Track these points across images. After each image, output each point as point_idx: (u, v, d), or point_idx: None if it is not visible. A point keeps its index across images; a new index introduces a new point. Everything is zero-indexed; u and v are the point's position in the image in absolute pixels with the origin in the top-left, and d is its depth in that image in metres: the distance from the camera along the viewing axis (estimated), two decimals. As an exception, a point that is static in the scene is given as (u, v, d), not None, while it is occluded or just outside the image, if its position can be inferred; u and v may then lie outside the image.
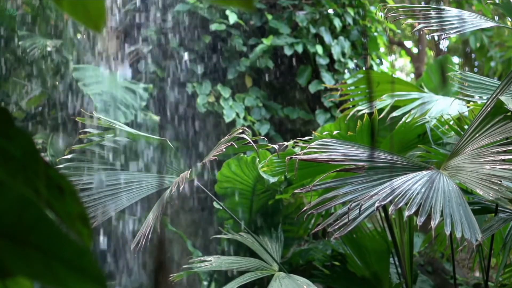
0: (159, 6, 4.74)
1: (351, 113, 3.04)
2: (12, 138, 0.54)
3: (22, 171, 0.54)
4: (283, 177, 2.94)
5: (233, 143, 2.49)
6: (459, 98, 2.94)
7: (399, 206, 1.90)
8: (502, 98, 2.15)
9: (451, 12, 2.56)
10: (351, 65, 5.01)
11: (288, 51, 4.71)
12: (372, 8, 5.42)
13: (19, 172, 0.54)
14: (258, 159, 2.95)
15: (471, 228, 1.82)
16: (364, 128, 2.54)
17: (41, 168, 0.54)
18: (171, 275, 2.64)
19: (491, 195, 1.83)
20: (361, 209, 1.95)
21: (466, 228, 1.82)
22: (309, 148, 2.30)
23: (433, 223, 1.81)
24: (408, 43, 9.40)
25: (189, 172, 2.52)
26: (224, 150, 2.46)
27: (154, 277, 3.98)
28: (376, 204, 1.90)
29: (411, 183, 1.99)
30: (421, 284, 3.43)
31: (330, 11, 4.94)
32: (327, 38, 4.85)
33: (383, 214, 2.84)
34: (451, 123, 2.67)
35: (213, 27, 4.62)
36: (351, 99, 3.67)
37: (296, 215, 3.20)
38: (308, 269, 3.18)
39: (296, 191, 2.32)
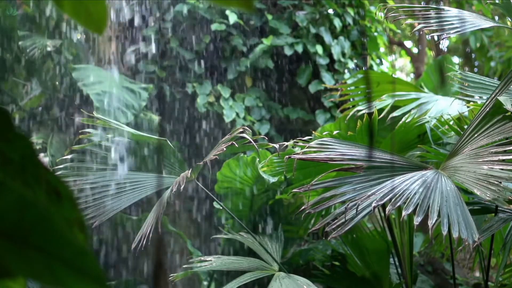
0: (159, 6, 4.74)
1: (351, 113, 3.04)
2: (11, 141, 0.54)
3: (21, 175, 0.54)
4: (283, 177, 2.95)
5: (233, 142, 2.50)
6: (459, 98, 2.94)
7: (396, 205, 1.90)
8: (501, 98, 2.15)
9: (451, 12, 2.56)
10: (351, 65, 5.01)
11: (288, 51, 4.71)
12: (372, 8, 5.42)
13: (18, 175, 0.54)
14: (258, 159, 2.95)
15: (468, 228, 1.82)
16: (364, 128, 2.55)
17: (39, 172, 0.54)
18: (171, 275, 2.64)
19: (488, 195, 1.83)
20: (359, 208, 1.96)
21: (463, 228, 1.82)
22: (308, 147, 2.30)
23: (430, 223, 1.81)
24: (408, 43, 9.39)
25: (189, 172, 2.52)
26: (224, 149, 2.46)
27: (153, 277, 3.98)
28: (373, 204, 1.91)
29: (409, 183, 1.99)
30: (421, 284, 3.43)
31: (330, 11, 4.95)
32: (327, 38, 4.85)
33: (382, 214, 2.84)
34: (451, 123, 2.67)
35: (213, 27, 4.62)
36: (351, 99, 3.68)
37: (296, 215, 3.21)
38: (308, 269, 3.18)
39: (294, 190, 2.32)
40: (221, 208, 3.09)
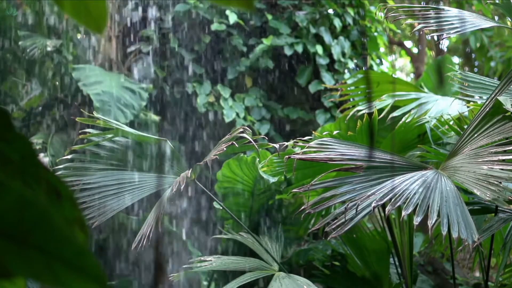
0: (159, 6, 4.74)
1: (351, 113, 3.04)
2: (11, 141, 0.54)
3: (21, 175, 0.54)
4: (283, 177, 2.95)
5: (233, 142, 2.49)
6: (459, 98, 2.94)
7: (396, 205, 1.90)
8: (500, 98, 2.15)
9: (451, 12, 2.56)
10: (351, 65, 5.01)
11: (288, 51, 4.71)
12: (372, 8, 5.42)
13: (18, 175, 0.54)
14: (258, 159, 2.95)
15: (468, 228, 1.82)
16: (364, 128, 2.55)
17: (39, 172, 0.54)
18: (171, 275, 2.64)
19: (488, 195, 1.83)
20: (358, 208, 1.96)
21: (463, 229, 1.82)
22: (308, 147, 2.30)
23: (430, 223, 1.81)
24: (408, 43, 9.39)
25: (189, 172, 2.52)
26: (224, 149, 2.46)
27: (153, 277, 3.98)
28: (373, 204, 1.91)
29: (409, 183, 1.99)
30: (421, 284, 3.43)
31: (330, 11, 4.95)
32: (327, 38, 4.85)
33: (382, 214, 2.84)
34: (451, 123, 2.67)
35: (213, 27, 4.62)
36: (351, 99, 3.67)
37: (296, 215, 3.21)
38: (308, 269, 3.18)
39: (294, 190, 2.32)
40: (221, 208, 3.09)
